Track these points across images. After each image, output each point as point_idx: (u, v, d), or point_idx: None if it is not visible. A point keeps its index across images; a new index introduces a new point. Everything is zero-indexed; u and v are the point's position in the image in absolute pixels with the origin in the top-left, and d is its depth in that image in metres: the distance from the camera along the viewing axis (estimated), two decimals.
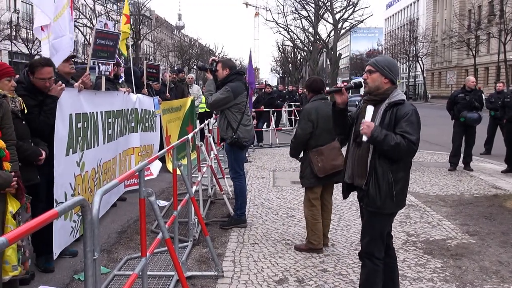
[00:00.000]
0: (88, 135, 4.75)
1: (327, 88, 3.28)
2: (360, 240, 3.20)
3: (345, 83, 3.19)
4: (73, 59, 4.92)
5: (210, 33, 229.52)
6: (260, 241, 4.90)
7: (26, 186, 3.39)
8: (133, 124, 6.64)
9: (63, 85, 4.10)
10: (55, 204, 4.01)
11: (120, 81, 7.11)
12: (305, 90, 5.19)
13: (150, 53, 61.30)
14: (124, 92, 6.12)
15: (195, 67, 59.87)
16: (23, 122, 3.61)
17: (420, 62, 57.56)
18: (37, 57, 4.85)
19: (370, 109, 3.01)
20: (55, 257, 4.06)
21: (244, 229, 5.30)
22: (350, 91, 3.48)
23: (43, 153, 3.78)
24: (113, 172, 5.67)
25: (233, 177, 5.45)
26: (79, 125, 4.49)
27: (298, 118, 16.14)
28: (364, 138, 2.95)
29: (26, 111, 3.64)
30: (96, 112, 4.94)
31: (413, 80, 65.35)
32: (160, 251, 4.43)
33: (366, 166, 3.02)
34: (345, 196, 3.33)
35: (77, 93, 4.50)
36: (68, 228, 4.34)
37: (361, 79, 3.29)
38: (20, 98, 3.58)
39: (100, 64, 5.41)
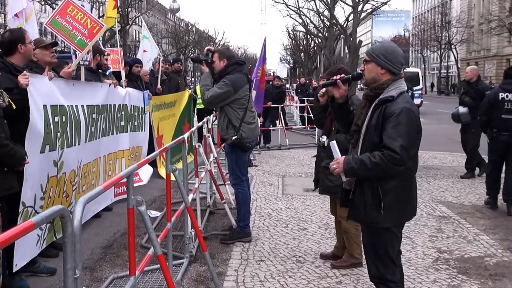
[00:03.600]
0: (68, 131, 4.76)
1: (321, 82, 3.39)
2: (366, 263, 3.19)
3: (342, 75, 3.29)
4: (54, 47, 4.90)
5: (209, 17, 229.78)
6: (267, 258, 4.91)
7: (6, 196, 3.45)
8: (122, 123, 6.63)
9: (27, 75, 3.99)
10: (21, 207, 3.97)
11: (107, 73, 7.11)
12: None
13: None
14: (110, 85, 6.13)
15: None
16: (5, 121, 3.66)
17: (454, 50, 57.32)
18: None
19: (333, 145, 3.08)
20: (15, 269, 3.97)
21: (248, 243, 5.31)
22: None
23: (26, 157, 3.82)
24: (94, 177, 5.69)
25: (234, 183, 5.46)
26: (57, 118, 4.48)
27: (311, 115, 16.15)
28: (343, 178, 3.05)
29: (14, 107, 3.69)
30: (76, 106, 4.96)
31: (445, 71, 65.07)
32: (152, 269, 4.43)
33: None
34: (344, 203, 3.31)
35: (48, 81, 4.45)
36: (34, 236, 4.27)
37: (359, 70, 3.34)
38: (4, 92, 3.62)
39: (77, 53, 5.43)
